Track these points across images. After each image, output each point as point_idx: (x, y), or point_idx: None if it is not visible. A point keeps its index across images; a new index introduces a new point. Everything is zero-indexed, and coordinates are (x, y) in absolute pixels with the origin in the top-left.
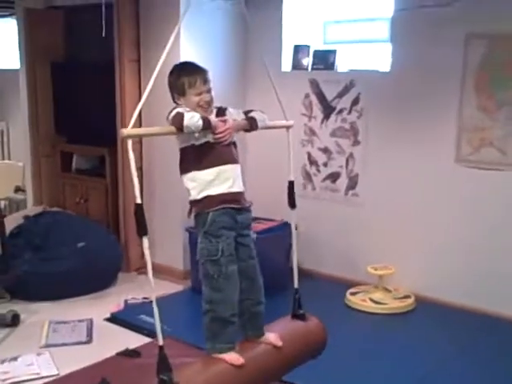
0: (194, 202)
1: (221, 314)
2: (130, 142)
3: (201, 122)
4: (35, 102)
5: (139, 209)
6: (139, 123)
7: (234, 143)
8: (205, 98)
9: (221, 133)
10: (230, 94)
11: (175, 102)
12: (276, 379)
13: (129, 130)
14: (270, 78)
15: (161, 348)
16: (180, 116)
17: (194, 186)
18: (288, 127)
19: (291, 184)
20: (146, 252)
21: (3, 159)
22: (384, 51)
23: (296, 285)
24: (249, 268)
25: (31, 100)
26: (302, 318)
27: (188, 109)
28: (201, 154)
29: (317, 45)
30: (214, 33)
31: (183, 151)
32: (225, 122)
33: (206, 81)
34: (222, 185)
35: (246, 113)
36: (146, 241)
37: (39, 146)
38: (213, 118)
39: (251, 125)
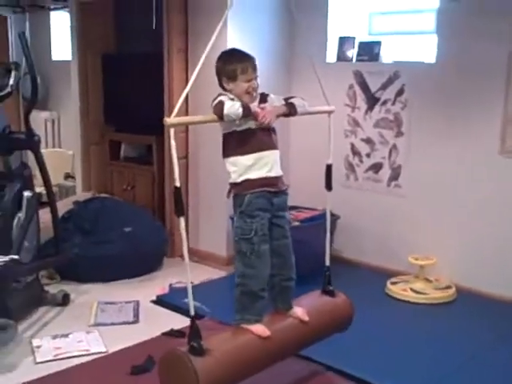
0: (233, 185)
1: (251, 289)
2: (172, 131)
3: (241, 110)
4: (86, 92)
5: (178, 192)
6: (185, 111)
7: (274, 130)
8: (253, 85)
9: (262, 117)
10: (274, 84)
11: (223, 86)
12: (300, 350)
13: (172, 119)
14: (312, 64)
15: (193, 318)
16: (221, 105)
17: (234, 169)
18: (330, 112)
19: (329, 167)
20: (182, 231)
21: (54, 147)
22: (430, 43)
23: (327, 262)
24: (281, 247)
25: (82, 90)
26: (330, 294)
27: (232, 96)
28: (242, 139)
29: (362, 36)
30: (260, 23)
31: (226, 136)
32: (264, 108)
33: (255, 68)
34: (260, 169)
35: (286, 99)
36: (182, 221)
37: (89, 134)
38: (253, 105)
39: (290, 110)
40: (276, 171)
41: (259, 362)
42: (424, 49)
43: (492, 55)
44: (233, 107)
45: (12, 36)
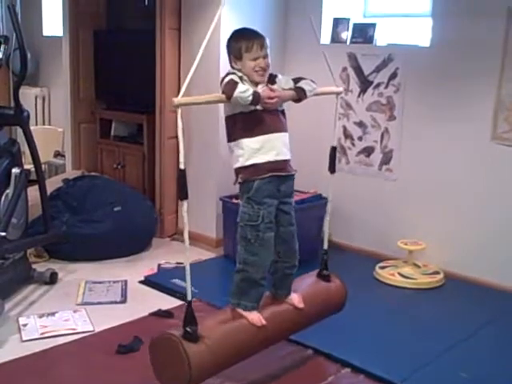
0: (241, 169)
1: (252, 276)
2: (179, 111)
3: (250, 98)
4: (77, 68)
5: (182, 174)
6: (177, 92)
7: (283, 111)
8: (260, 64)
9: (269, 99)
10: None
11: (232, 65)
12: (290, 335)
13: (180, 99)
14: (317, 35)
15: (189, 303)
16: (232, 85)
17: (241, 153)
18: (338, 93)
19: (334, 149)
20: (185, 214)
21: (44, 124)
22: (424, 26)
23: (325, 246)
24: (287, 234)
25: (73, 67)
26: (326, 278)
27: (240, 74)
28: (249, 121)
29: (357, 18)
30: (254, 4)
31: (231, 118)
32: (273, 90)
33: (262, 46)
34: (268, 153)
35: (295, 80)
36: (185, 204)
37: (79, 112)
38: (263, 93)
39: (299, 95)
40: (285, 154)
41: (251, 348)
42: (419, 32)
43: (486, 40)
44: (244, 93)
45: (2, 9)
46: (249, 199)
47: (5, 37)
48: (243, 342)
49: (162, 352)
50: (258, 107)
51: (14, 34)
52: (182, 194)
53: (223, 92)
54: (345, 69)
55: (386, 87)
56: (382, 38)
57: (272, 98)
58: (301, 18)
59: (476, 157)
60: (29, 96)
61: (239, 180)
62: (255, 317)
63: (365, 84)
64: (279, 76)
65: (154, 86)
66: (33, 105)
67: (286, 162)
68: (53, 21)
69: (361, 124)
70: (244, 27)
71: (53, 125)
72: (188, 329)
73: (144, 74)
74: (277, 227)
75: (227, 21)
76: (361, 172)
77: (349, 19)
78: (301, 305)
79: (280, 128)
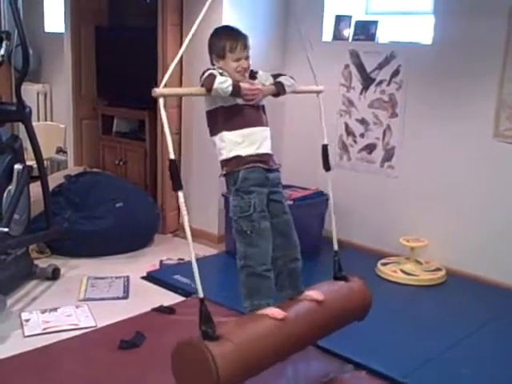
0: (225, 161)
1: (255, 269)
2: (161, 101)
3: (230, 89)
4: (79, 65)
5: (173, 164)
6: (179, 85)
7: (263, 107)
8: (243, 65)
9: (249, 92)
10: (268, 63)
11: (213, 64)
12: (323, 335)
13: (161, 89)
14: (307, 42)
15: (202, 300)
16: (212, 78)
17: (223, 145)
18: (318, 92)
19: (325, 147)
20: (182, 206)
21: (46, 121)
22: (427, 23)
23: (335, 247)
24: (282, 223)
25: (75, 63)
26: (344, 279)
27: (221, 70)
28: (229, 115)
29: (359, 15)
30: (256, 1)
31: (211, 113)
32: (253, 84)
33: (245, 47)
34: (250, 146)
35: (275, 76)
36: (181, 195)
37: (81, 108)
38: (244, 84)
39: (279, 90)
40: (266, 148)
41: (279, 348)
42: (421, 29)
43: (488, 39)
44: (223, 83)
45: (4, 5)
46: (237, 191)
47: (7, 33)
48: (271, 341)
49: (185, 360)
50: (239, 101)
51: (16, 31)
52: (176, 184)
53: (203, 85)
54: (347, 66)
55: (388, 84)
56: (384, 36)
57: (253, 92)
58: (303, 15)
59: (478, 154)
60: (31, 92)
61: (224, 172)
62: (274, 310)
63: (367, 81)
64: (260, 72)
65: (156, 82)
66: (35, 101)
67: (267, 155)
68: (55, 17)
69: (363, 121)
70: (227, 25)
71: (55, 121)
72: (205, 328)
73: (146, 71)
74: (270, 218)
75: (229, 20)
76: (363, 169)
77: (351, 16)
78: (320, 296)
79: (261, 122)
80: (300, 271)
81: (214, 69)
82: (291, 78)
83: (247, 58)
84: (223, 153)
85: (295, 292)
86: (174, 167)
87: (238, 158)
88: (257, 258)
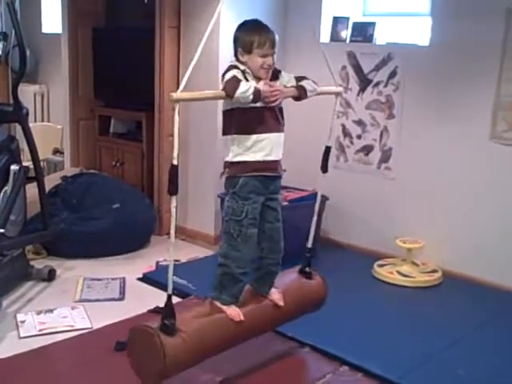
0: (229, 164)
1: (232, 271)
2: (177, 106)
3: (251, 97)
4: (76, 66)
5: (174, 170)
6: (176, 90)
7: (281, 109)
8: (268, 62)
9: (271, 97)
10: None
11: (237, 57)
12: (268, 331)
13: (178, 94)
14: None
15: (169, 297)
16: (235, 84)
17: (233, 148)
18: (337, 93)
19: (328, 149)
20: (173, 210)
21: (43, 121)
22: (424, 25)
23: (310, 245)
24: (273, 230)
25: (72, 64)
26: (308, 275)
27: (243, 68)
28: (245, 118)
29: (356, 17)
30: (254, 2)
31: (228, 113)
32: (273, 86)
33: (274, 44)
34: (258, 152)
35: (298, 79)
36: (174, 200)
37: (78, 109)
38: (264, 87)
39: (300, 94)
40: (276, 155)
41: (227, 343)
42: (418, 31)
43: (485, 40)
44: (245, 93)
45: (1, 6)
46: (234, 194)
47: (4, 34)
48: (219, 336)
49: (138, 343)
50: (258, 104)
51: (13, 31)
52: (173, 189)
53: (224, 89)
54: (344, 67)
55: (386, 86)
56: (381, 37)
57: (273, 93)
58: (301, 17)
59: (475, 156)
60: (28, 93)
61: (226, 174)
62: (234, 312)
63: (364, 82)
64: (282, 72)
65: (153, 83)
66: (32, 102)
67: (275, 162)
68: (52, 18)
69: (360, 122)
70: (255, 19)
71: (52, 122)
72: (166, 321)
73: (143, 72)
74: (263, 223)
75: (226, 19)
76: (360, 170)
77: (348, 18)
78: (281, 303)
79: (275, 128)
80: (277, 274)
81: (236, 66)
82: (314, 82)
83: (273, 54)
84: (230, 155)
85: (265, 289)
86: (175, 173)
87: (243, 163)
88: (236, 261)
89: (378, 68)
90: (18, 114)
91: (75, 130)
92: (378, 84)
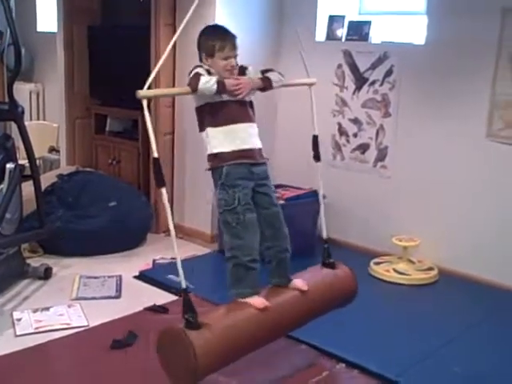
0: (210, 157)
1: (241, 260)
2: (145, 102)
3: (215, 87)
4: (71, 64)
5: (157, 163)
6: (172, 85)
7: (251, 103)
8: (231, 63)
9: (236, 90)
10: (262, 62)
11: (201, 61)
12: (302, 324)
13: (144, 91)
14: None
15: (185, 291)
16: (196, 78)
17: (208, 141)
18: (310, 85)
19: (315, 138)
20: (165, 202)
21: (38, 120)
22: (420, 24)
23: (325, 235)
24: (270, 215)
25: (67, 63)
26: (331, 266)
27: (209, 68)
28: (215, 111)
29: (352, 15)
30: (249, 0)
31: (199, 110)
32: (238, 79)
33: (234, 47)
34: (233, 142)
35: (264, 72)
36: (164, 192)
37: (74, 107)
38: (228, 80)
39: (265, 84)
40: (252, 143)
41: (259, 336)
42: (414, 30)
43: (481, 38)
44: (208, 83)
45: None
46: (222, 185)
47: None
48: (249, 328)
49: (167, 346)
50: (226, 97)
51: (8, 30)
52: (159, 181)
53: (189, 84)
54: (340, 66)
55: (382, 84)
56: (377, 36)
57: (239, 85)
58: (296, 15)
59: (471, 154)
60: (23, 91)
61: (209, 167)
62: (256, 300)
63: (360, 81)
64: (250, 68)
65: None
66: (27, 100)
67: (253, 150)
68: (47, 16)
69: (356, 121)
70: (215, 24)
71: (48, 120)
72: (187, 317)
73: (139, 70)
74: (260, 211)
75: (221, 18)
76: (356, 168)
77: (344, 16)
78: (304, 287)
79: (246, 119)
80: (289, 261)
81: (201, 66)
82: (280, 73)
83: (236, 56)
84: (208, 148)
85: (283, 280)
86: (158, 165)
87: (221, 154)
88: (242, 249)
89: (373, 66)
90: (14, 113)
91: (71, 129)
92: (373, 82)
